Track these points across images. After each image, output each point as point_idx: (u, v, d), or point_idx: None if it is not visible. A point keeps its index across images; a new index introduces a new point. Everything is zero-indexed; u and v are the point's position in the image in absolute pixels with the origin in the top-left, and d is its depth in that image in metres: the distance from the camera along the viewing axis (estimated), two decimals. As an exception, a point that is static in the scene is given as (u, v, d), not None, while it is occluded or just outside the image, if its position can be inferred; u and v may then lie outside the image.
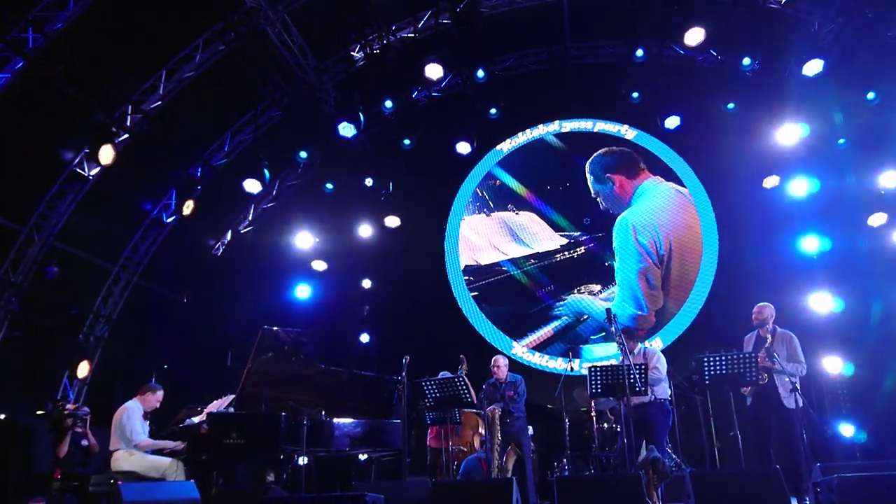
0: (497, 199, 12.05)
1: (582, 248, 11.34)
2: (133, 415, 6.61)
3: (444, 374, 7.80)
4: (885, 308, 9.37)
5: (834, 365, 9.43)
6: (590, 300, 11.02)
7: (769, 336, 6.78)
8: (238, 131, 11.66)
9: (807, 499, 5.85)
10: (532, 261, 11.52)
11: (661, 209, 11.13)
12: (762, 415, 6.62)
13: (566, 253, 11.38)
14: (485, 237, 11.91)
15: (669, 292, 10.70)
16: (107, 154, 8.74)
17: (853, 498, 4.44)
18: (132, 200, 11.13)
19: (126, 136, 9.80)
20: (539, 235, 11.58)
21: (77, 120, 9.16)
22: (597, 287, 11.05)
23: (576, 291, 11.12)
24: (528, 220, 11.74)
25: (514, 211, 11.87)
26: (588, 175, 11.45)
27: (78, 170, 9.91)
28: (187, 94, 10.32)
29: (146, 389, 6.94)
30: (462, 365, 7.79)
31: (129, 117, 9.90)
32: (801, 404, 6.37)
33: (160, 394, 7.02)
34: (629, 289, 10.87)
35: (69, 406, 7.43)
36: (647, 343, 9.56)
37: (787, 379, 6.44)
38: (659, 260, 10.77)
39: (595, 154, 11.53)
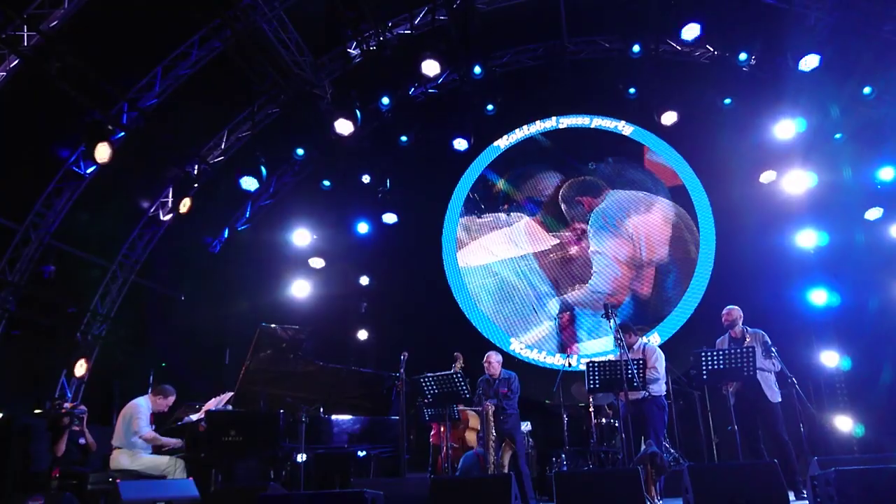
0: (488, 200, 12.12)
1: (574, 248, 11.39)
2: (143, 411, 6.58)
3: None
4: (881, 302, 9.39)
5: (831, 359, 9.46)
6: (582, 295, 11.13)
7: (745, 336, 6.86)
8: (235, 129, 11.64)
9: (804, 491, 5.89)
10: (524, 262, 11.57)
11: (623, 200, 11.51)
12: (747, 412, 6.68)
13: (557, 253, 11.45)
14: (476, 239, 11.97)
15: (641, 267, 11.13)
16: (103, 152, 8.72)
17: (850, 491, 4.45)
18: (129, 198, 11.11)
19: (122, 133, 9.79)
20: (530, 237, 11.66)
21: (73, 118, 9.13)
22: (586, 285, 11.16)
23: (568, 289, 11.22)
24: (519, 221, 11.82)
25: (505, 212, 11.91)
26: (561, 204, 11.71)
27: (74, 168, 9.89)
28: (184, 92, 10.30)
29: (159, 391, 6.86)
30: (457, 362, 7.79)
31: (125, 115, 9.86)
32: (795, 397, 6.46)
33: (172, 399, 6.91)
34: (606, 263, 11.20)
35: (66, 405, 7.41)
36: (646, 338, 9.56)
37: (773, 374, 6.65)
38: (628, 237, 11.25)
39: (563, 186, 11.82)
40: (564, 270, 11.38)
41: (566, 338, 11.05)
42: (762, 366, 6.58)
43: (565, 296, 11.25)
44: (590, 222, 11.51)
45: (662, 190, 11.44)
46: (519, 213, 11.86)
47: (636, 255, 11.14)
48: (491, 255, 11.79)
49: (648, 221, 11.32)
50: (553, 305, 11.26)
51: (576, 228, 11.55)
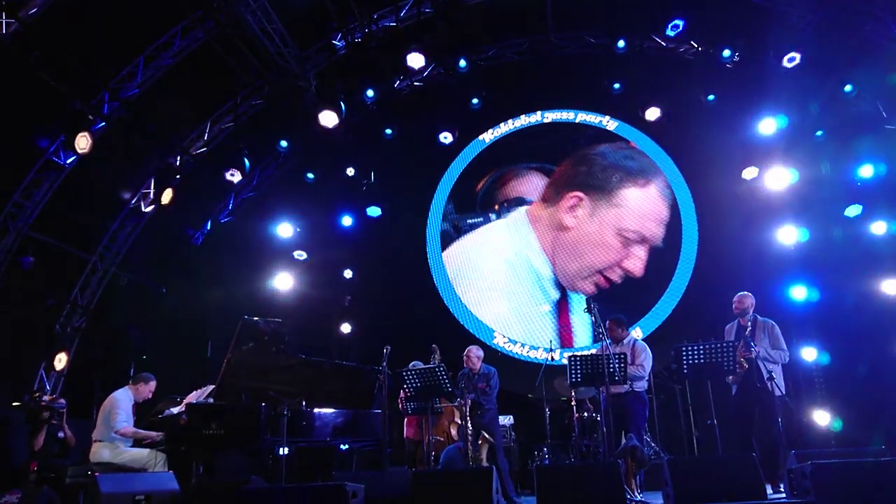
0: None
1: (569, 217, 11.43)
2: (120, 404, 6.55)
3: (416, 363, 7.83)
4: (859, 298, 9.52)
5: (810, 354, 9.59)
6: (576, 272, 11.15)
7: (749, 325, 6.85)
8: (218, 120, 11.52)
9: (780, 485, 5.96)
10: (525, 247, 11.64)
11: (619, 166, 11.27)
12: (746, 402, 6.68)
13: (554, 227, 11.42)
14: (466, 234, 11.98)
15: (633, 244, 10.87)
16: (83, 142, 8.62)
17: (826, 484, 4.52)
18: (110, 189, 10.96)
19: (103, 124, 9.67)
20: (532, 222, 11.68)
21: (53, 107, 9.01)
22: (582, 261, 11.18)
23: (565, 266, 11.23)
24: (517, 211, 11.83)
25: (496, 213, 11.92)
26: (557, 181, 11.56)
27: (54, 158, 9.74)
28: (166, 82, 10.17)
29: (139, 379, 6.89)
30: (434, 354, 7.83)
31: (106, 105, 9.73)
32: (781, 392, 6.52)
33: (153, 384, 6.96)
34: (600, 235, 10.95)
35: (45, 398, 7.34)
36: (633, 333, 9.61)
37: (768, 367, 6.58)
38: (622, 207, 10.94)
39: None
40: (559, 245, 11.10)
41: (562, 325, 10.98)
42: (769, 356, 6.59)
43: (560, 276, 11.02)
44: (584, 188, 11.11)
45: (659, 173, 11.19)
46: (514, 208, 11.74)
47: (628, 229, 10.75)
48: (489, 248, 11.61)
49: (644, 195, 10.95)
50: (551, 290, 11.07)
51: (571, 196, 11.15)
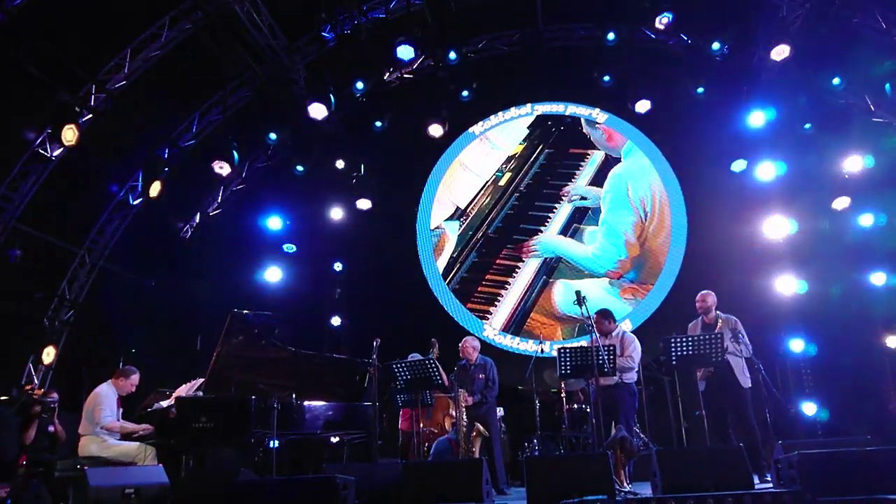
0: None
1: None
2: (104, 399, 6.49)
3: (414, 356, 7.83)
4: (846, 289, 9.60)
5: (798, 345, 9.66)
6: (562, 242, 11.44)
7: (716, 322, 6.95)
8: (206, 112, 11.44)
9: (767, 475, 6.02)
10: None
11: (650, 168, 11.57)
12: (717, 396, 6.77)
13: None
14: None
15: (647, 243, 11.28)
16: (70, 134, 8.54)
17: (813, 473, 4.55)
18: (97, 182, 10.87)
19: (90, 116, 9.58)
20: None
21: (39, 99, 8.91)
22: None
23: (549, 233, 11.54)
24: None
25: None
26: (583, 121, 11.95)
27: (40, 150, 9.65)
28: (153, 74, 10.07)
29: (120, 373, 6.80)
30: (433, 348, 7.85)
31: (93, 97, 9.64)
32: (761, 383, 6.60)
33: (135, 377, 6.87)
34: (615, 236, 11.31)
35: (37, 391, 7.30)
36: (623, 325, 9.64)
37: (743, 360, 6.72)
38: (645, 215, 11.37)
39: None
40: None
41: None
42: (732, 351, 6.68)
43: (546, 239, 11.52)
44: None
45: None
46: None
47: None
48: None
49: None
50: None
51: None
